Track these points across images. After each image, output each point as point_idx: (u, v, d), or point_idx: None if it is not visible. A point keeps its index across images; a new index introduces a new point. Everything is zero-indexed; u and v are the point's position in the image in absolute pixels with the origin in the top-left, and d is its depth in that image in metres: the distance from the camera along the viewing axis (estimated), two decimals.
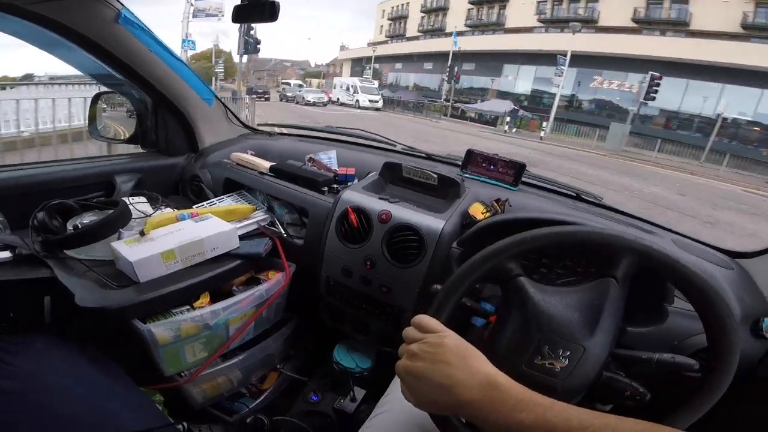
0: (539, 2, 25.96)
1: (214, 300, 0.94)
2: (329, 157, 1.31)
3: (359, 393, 1.18)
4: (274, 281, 1.04)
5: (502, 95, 25.84)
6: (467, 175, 1.20)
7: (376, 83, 28.54)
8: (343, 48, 52.78)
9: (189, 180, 1.36)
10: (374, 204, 1.01)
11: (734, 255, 1.01)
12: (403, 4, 39.27)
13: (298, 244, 1.12)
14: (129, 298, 0.81)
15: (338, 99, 27.04)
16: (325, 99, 25.06)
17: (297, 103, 24.22)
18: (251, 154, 1.36)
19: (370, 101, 24.83)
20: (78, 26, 1.00)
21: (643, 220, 1.11)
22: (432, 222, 0.94)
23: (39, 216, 0.90)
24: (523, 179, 1.17)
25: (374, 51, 37.96)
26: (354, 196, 1.05)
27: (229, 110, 1.55)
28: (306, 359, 1.35)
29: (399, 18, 40.04)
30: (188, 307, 0.90)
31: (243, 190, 1.30)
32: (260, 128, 1.65)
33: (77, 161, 1.21)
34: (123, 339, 0.82)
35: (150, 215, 1.04)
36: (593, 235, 0.59)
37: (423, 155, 1.42)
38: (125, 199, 1.07)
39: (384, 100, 26.05)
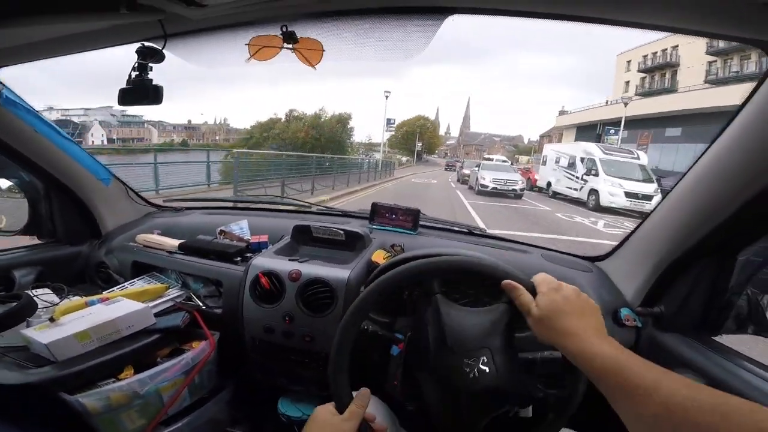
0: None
1: (138, 372, 0.97)
2: (241, 228, 1.40)
3: None
4: (199, 349, 1.08)
5: None
6: (375, 227, 1.39)
7: (640, 156, 14.10)
8: (563, 113, 39.35)
9: (95, 267, 1.36)
10: (284, 266, 1.12)
11: (593, 259, 1.25)
12: (667, 50, 30.29)
13: (218, 313, 1.18)
14: (52, 373, 0.84)
15: (549, 184, 16.78)
16: (521, 184, 14.76)
17: (470, 187, 16.97)
18: (158, 234, 1.40)
19: (631, 195, 11.82)
20: None
21: (519, 242, 1.37)
22: (339, 273, 1.08)
23: None
24: (422, 223, 1.39)
25: (626, 105, 23.35)
26: (264, 261, 1.15)
27: (129, 188, 1.55)
28: (255, 419, 1.37)
29: (661, 67, 31.50)
30: (114, 379, 0.92)
31: (154, 272, 1.32)
32: (166, 204, 1.68)
33: None
34: (54, 415, 0.84)
35: (57, 304, 1.05)
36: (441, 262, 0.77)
37: (338, 213, 1.58)
38: (27, 291, 1.06)
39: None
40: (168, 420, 1.02)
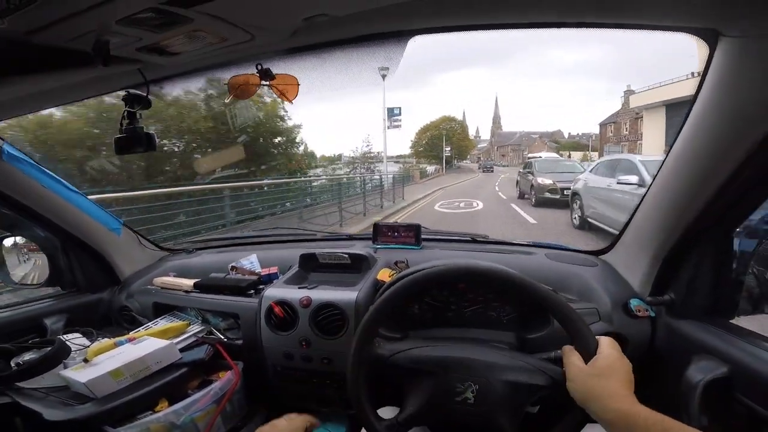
0: None
1: (173, 404, 1.04)
2: (251, 262, 1.49)
3: None
4: (225, 379, 1.16)
5: None
6: (379, 246, 1.47)
7: None
8: (630, 92, 29.72)
9: (118, 311, 1.45)
10: (294, 294, 1.20)
11: (596, 253, 1.27)
12: None
13: (239, 344, 1.26)
14: (94, 409, 0.92)
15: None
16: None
17: (523, 196, 12.64)
18: (173, 276, 1.49)
19: None
20: None
21: (522, 244, 1.42)
22: (347, 295, 1.15)
23: None
24: (424, 237, 1.46)
25: None
26: (275, 291, 1.23)
27: (140, 235, 1.64)
28: None
29: None
30: (151, 411, 1.00)
31: (175, 311, 1.40)
32: (177, 247, 1.78)
33: (3, 309, 1.26)
34: None
35: (88, 346, 1.14)
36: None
37: (343, 236, 1.67)
38: (60, 336, 1.17)
39: None
40: None
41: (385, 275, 1.22)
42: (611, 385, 0.66)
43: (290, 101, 0.89)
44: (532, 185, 11.04)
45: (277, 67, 0.84)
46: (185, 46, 0.67)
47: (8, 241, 1.39)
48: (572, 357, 0.73)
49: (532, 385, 0.77)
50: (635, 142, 30.21)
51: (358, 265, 1.33)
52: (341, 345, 1.12)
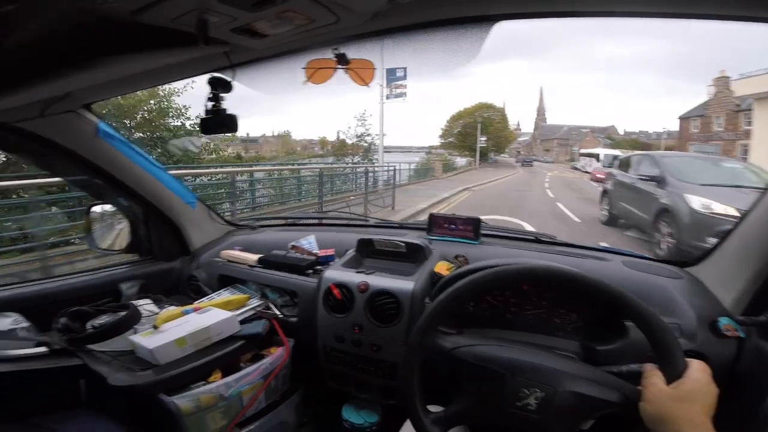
0: None
1: (225, 375, 1.10)
2: (309, 243, 1.53)
3: None
4: (276, 355, 1.20)
5: None
6: (434, 238, 1.45)
7: None
8: (723, 78, 25.24)
9: (187, 280, 1.55)
10: (353, 277, 1.21)
11: (681, 264, 1.18)
12: None
13: (293, 322, 1.30)
14: (154, 377, 0.98)
15: None
16: None
17: (616, 222, 7.78)
18: (239, 250, 1.57)
19: None
20: (63, 141, 1.16)
21: (593, 248, 1.34)
22: (404, 284, 1.15)
23: (62, 320, 1.11)
24: (483, 231, 1.42)
25: None
26: (334, 273, 1.25)
27: (213, 210, 1.75)
28: (319, 423, 1.48)
29: None
30: (204, 382, 1.06)
31: (237, 284, 1.48)
32: (243, 223, 1.87)
33: (84, 273, 1.39)
34: (151, 413, 0.98)
35: (158, 313, 1.23)
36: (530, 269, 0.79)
37: (395, 225, 1.68)
38: (133, 302, 1.26)
39: None
40: (243, 422, 1.13)
41: (443, 268, 1.20)
42: (692, 411, 0.62)
43: (366, 84, 0.90)
44: (663, 210, 5.73)
45: (354, 53, 0.86)
46: (274, 28, 0.69)
47: (97, 209, 1.52)
48: (654, 377, 0.68)
49: (601, 399, 0.73)
50: (733, 141, 23.55)
51: (413, 255, 1.33)
52: (393, 334, 1.13)
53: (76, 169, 1.28)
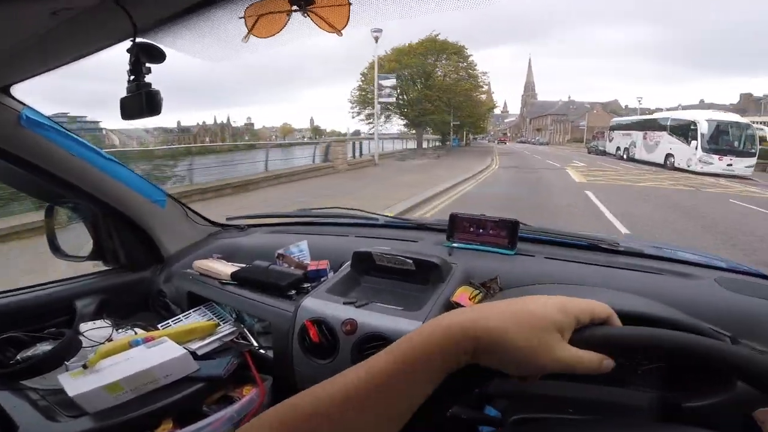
0: None
1: (180, 425, 0.89)
2: (300, 251, 1.28)
3: None
4: (247, 399, 0.97)
5: None
6: (455, 245, 1.15)
7: None
8: None
9: (156, 295, 1.31)
10: (337, 312, 0.93)
11: None
12: None
13: (270, 357, 1.05)
14: (82, 427, 0.79)
15: None
16: None
17: None
18: (218, 258, 1.32)
19: None
20: None
21: (675, 260, 1.02)
22: (406, 326, 0.85)
23: None
24: (521, 235, 1.11)
25: None
26: (314, 304, 0.97)
27: (189, 209, 1.49)
28: None
29: None
30: None
31: (211, 302, 1.23)
32: (230, 223, 1.61)
33: (34, 288, 1.17)
34: None
35: (101, 343, 1.00)
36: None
37: (411, 225, 1.39)
38: (82, 325, 1.07)
39: None
40: None
41: (464, 297, 0.89)
42: None
43: (338, 32, 0.58)
44: None
45: None
46: None
47: (59, 210, 1.31)
48: None
49: None
50: None
51: (425, 275, 1.03)
52: None
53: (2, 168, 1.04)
